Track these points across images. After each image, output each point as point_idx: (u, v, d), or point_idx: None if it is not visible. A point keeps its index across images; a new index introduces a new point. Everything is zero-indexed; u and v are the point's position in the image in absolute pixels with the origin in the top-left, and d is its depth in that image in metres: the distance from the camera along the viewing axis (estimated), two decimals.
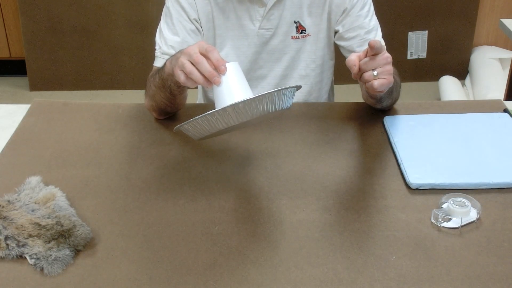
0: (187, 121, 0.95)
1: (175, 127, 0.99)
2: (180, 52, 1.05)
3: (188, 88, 1.13)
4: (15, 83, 3.38)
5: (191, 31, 1.34)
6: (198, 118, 0.93)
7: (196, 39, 1.35)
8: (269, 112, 0.95)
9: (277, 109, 0.96)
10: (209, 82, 0.99)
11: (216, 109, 0.92)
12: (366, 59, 1.06)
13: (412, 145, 1.19)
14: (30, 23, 3.14)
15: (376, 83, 1.06)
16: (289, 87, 0.97)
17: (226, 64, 0.99)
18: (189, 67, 1.00)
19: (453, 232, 0.98)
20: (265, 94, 0.92)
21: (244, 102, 0.91)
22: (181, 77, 1.02)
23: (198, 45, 1.01)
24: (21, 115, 1.34)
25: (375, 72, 1.05)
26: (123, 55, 3.25)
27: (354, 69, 1.06)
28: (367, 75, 1.06)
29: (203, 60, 0.99)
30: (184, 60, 1.01)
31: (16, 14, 3.19)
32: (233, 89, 0.98)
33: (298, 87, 1.02)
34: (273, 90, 0.93)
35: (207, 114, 0.92)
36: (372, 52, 1.04)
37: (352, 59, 1.06)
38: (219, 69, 0.98)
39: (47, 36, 3.17)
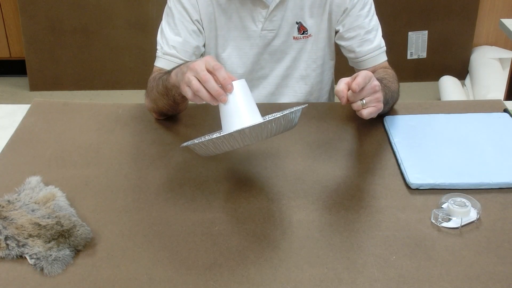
0: (193, 142, 0.97)
1: (181, 145, 1.01)
2: (186, 66, 1.05)
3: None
4: (15, 83, 3.38)
5: (192, 31, 1.34)
6: (204, 140, 0.95)
7: (198, 40, 1.35)
8: (275, 135, 0.97)
9: (283, 131, 0.98)
10: (216, 100, 0.99)
11: (223, 134, 0.93)
12: None
13: (412, 145, 1.19)
14: (30, 23, 3.14)
15: (364, 112, 1.08)
16: (295, 110, 0.98)
17: (233, 82, 0.99)
18: (196, 85, 0.99)
19: (453, 232, 0.98)
20: (272, 119, 0.93)
21: (250, 128, 0.92)
22: (189, 94, 1.02)
23: (205, 61, 1.01)
24: (21, 115, 1.34)
25: (363, 101, 1.07)
26: (123, 55, 3.25)
27: (343, 100, 1.06)
28: (355, 105, 1.07)
29: (210, 79, 0.98)
30: (191, 77, 1.00)
31: (16, 14, 3.19)
32: (240, 109, 0.99)
33: (301, 108, 1.03)
34: (280, 115, 0.94)
35: (214, 138, 0.93)
36: (359, 88, 1.04)
37: (341, 90, 1.05)
38: (226, 88, 0.98)
39: (47, 36, 3.17)
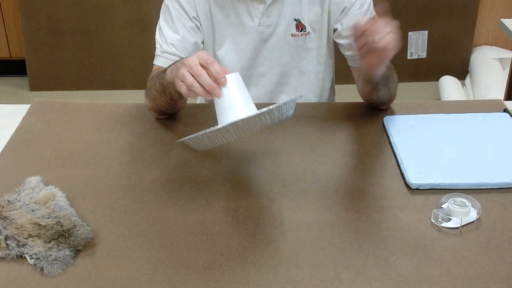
0: (188, 137, 0.97)
1: (177, 140, 1.01)
2: (181, 62, 1.05)
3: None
4: (15, 83, 3.38)
5: (190, 28, 1.34)
6: (199, 134, 0.95)
7: (196, 37, 1.35)
8: (269, 126, 0.97)
9: (277, 122, 0.98)
10: (210, 94, 0.99)
11: (216, 127, 0.93)
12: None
13: (412, 145, 1.19)
14: (30, 23, 3.14)
15: (392, 35, 1.06)
16: (288, 101, 0.97)
17: (227, 76, 0.99)
18: (189, 79, 1.00)
19: (453, 232, 0.98)
20: (265, 112, 0.93)
21: (243, 120, 0.92)
22: (183, 89, 1.02)
23: (198, 56, 1.01)
24: (21, 115, 1.34)
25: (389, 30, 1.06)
26: (123, 55, 3.25)
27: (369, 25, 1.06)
28: (383, 28, 1.06)
29: (203, 73, 0.99)
30: (184, 72, 1.01)
31: (16, 14, 3.19)
32: (234, 102, 0.99)
33: (296, 98, 1.02)
34: (272, 107, 0.93)
35: (208, 131, 0.93)
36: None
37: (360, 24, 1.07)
38: (219, 82, 0.98)
39: (47, 36, 3.17)
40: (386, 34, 1.06)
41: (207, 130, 0.94)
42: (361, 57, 1.14)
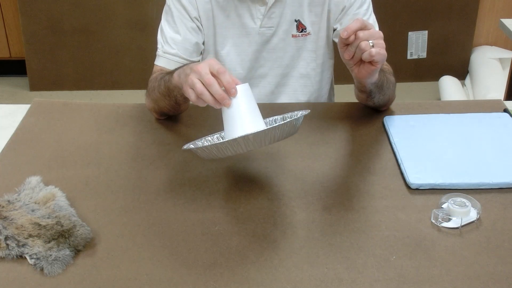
0: (196, 146, 0.97)
1: (183, 147, 1.01)
2: (190, 68, 1.04)
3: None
4: (15, 83, 3.38)
5: (192, 29, 1.34)
6: (208, 145, 0.95)
7: (197, 37, 1.35)
8: (278, 140, 0.97)
9: (286, 136, 0.98)
10: (220, 103, 0.99)
11: (226, 140, 0.93)
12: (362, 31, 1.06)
13: (412, 145, 1.20)
14: (30, 23, 3.14)
15: (374, 50, 1.05)
16: (299, 116, 0.98)
17: (237, 87, 0.98)
18: (200, 88, 0.99)
19: (453, 232, 0.98)
20: (276, 126, 0.93)
21: (254, 134, 0.92)
22: (192, 96, 1.02)
23: (209, 64, 1.00)
24: (21, 115, 1.34)
25: (371, 43, 1.05)
26: (123, 55, 3.25)
27: (351, 39, 1.05)
28: (364, 43, 1.05)
29: (214, 82, 0.98)
30: (194, 80, 1.00)
31: (16, 14, 3.19)
32: (242, 113, 0.99)
33: (304, 113, 1.02)
34: (283, 123, 0.94)
35: (218, 143, 0.93)
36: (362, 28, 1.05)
37: (345, 33, 1.05)
38: (229, 92, 0.98)
39: (47, 36, 3.17)
40: (370, 46, 1.05)
41: (217, 142, 0.94)
42: (350, 68, 1.14)
